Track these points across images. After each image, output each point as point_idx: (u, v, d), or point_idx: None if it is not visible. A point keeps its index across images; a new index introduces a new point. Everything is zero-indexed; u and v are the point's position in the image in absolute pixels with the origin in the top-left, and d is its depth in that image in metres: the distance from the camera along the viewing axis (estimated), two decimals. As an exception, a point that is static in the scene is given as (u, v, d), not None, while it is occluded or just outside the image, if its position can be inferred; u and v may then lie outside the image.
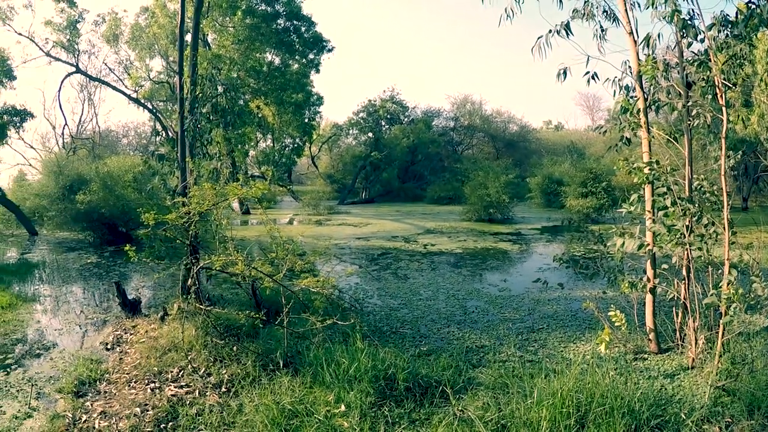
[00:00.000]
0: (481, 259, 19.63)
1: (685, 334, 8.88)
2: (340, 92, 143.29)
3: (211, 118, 15.25)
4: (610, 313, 8.75)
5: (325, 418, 6.62)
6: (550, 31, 9.22)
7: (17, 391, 8.57)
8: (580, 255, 19.84)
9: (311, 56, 36.07)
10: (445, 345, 9.99)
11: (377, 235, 26.60)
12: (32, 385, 8.76)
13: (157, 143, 55.62)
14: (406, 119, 57.30)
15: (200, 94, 14.48)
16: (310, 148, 50.79)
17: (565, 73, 9.50)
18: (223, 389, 7.98)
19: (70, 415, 7.51)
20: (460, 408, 6.87)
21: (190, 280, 10.10)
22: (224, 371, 8.40)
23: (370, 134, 55.67)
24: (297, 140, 40.22)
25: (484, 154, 59.00)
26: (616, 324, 8.66)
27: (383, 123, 55.94)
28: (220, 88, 16.76)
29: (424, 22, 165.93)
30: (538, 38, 9.32)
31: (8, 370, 9.58)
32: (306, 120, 37.67)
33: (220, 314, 9.96)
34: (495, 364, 8.68)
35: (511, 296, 13.87)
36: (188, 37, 37.23)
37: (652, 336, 9.24)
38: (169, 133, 42.58)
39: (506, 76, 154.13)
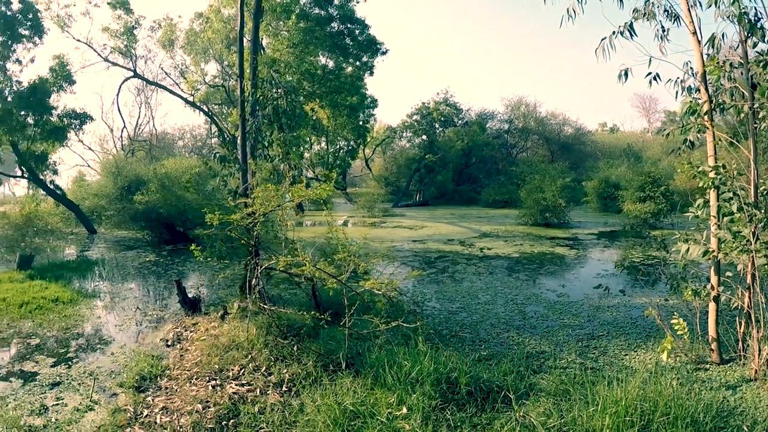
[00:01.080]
0: (538, 263, 19.36)
1: (748, 345, 8.61)
2: (392, 94, 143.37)
3: (272, 120, 15.43)
4: (672, 321, 8.52)
5: (387, 420, 6.60)
6: (614, 32, 9.03)
7: (78, 384, 8.81)
8: (639, 261, 19.39)
9: (365, 59, 36.13)
10: (505, 350, 9.90)
11: (433, 238, 26.52)
12: (94, 379, 9.00)
13: (213, 145, 56.84)
14: (460, 122, 56.88)
15: (261, 97, 14.67)
16: (363, 150, 50.96)
17: (626, 74, 9.28)
18: (284, 388, 8.03)
19: (132, 410, 7.65)
20: (522, 414, 6.80)
21: (254, 279, 10.21)
22: (285, 370, 8.46)
23: (424, 137, 55.43)
24: (351, 143, 40.33)
25: (538, 156, 57.88)
26: (678, 332, 8.43)
27: (437, 125, 55.63)
28: (280, 91, 16.89)
29: (476, 23, 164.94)
30: (602, 39, 9.13)
31: (69, 363, 9.88)
32: (360, 122, 37.75)
33: (282, 314, 10.06)
34: (556, 370, 8.58)
35: (570, 302, 13.65)
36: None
37: (714, 346, 8.96)
38: (225, 136, 43.47)
39: (559, 76, 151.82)
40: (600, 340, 10.57)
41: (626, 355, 9.67)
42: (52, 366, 9.77)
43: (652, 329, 11.04)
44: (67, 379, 9.04)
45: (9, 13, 27.72)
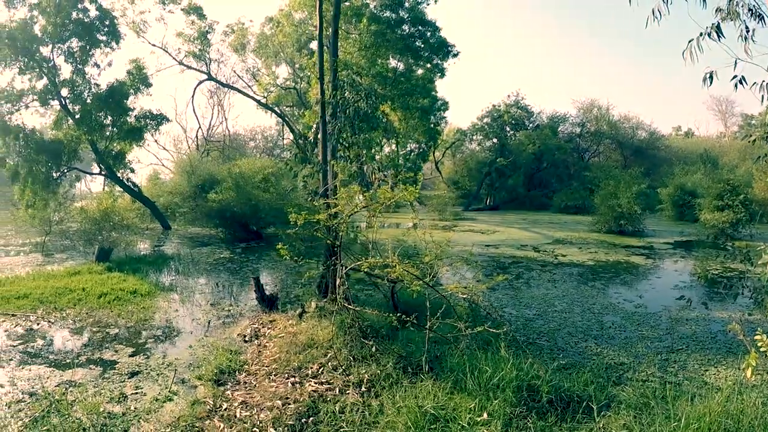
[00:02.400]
0: (613, 272, 18.64)
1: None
2: (461, 96, 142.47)
3: (353, 123, 15.35)
4: (756, 338, 7.91)
5: (468, 426, 6.44)
6: (701, 33, 8.40)
7: (157, 374, 8.94)
8: (718, 273, 18.41)
9: (436, 61, 35.77)
10: (583, 359, 9.63)
11: (506, 243, 25.98)
12: (174, 370, 9.08)
13: (285, 146, 57.64)
14: (531, 125, 55.61)
15: (341, 99, 14.60)
16: (433, 153, 50.54)
17: (711, 77, 8.63)
18: (363, 388, 7.89)
19: (211, 402, 7.68)
20: (602, 426, 6.58)
21: (339, 279, 10.05)
22: (364, 371, 8.32)
23: (495, 140, 54.36)
24: (422, 145, 39.97)
25: (611, 161, 56.09)
26: (762, 349, 7.80)
27: (508, 128, 54.56)
28: (361, 94, 16.81)
29: (546, 24, 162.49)
30: (690, 41, 8.52)
31: (148, 354, 10.07)
32: (432, 125, 37.38)
33: (365, 315, 9.87)
34: (635, 382, 8.29)
35: (648, 313, 13.11)
36: (313, 45, 38.20)
37: (800, 364, 8.25)
38: (298, 137, 43.95)
39: (632, 77, 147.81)
40: (679, 354, 10.13)
41: (706, 370, 9.24)
42: (130, 356, 9.96)
43: (733, 345, 10.55)
44: (146, 369, 9.18)
45: (87, 20, 28.82)
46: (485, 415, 6.61)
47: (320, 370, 8.63)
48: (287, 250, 10.62)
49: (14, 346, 10.53)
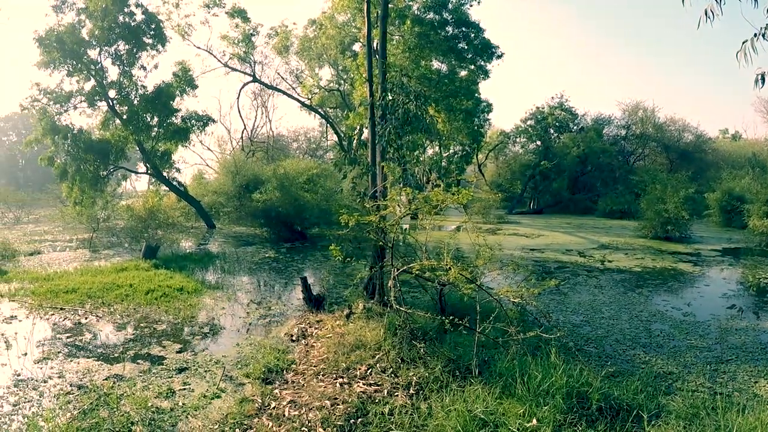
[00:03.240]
0: (661, 279, 18.07)
1: None
2: (504, 98, 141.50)
3: (403, 124, 15.22)
4: None
5: (517, 431, 6.27)
6: (756, 34, 8.00)
7: (205, 371, 8.89)
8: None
9: (480, 63, 35.43)
10: (632, 368, 9.33)
11: (551, 248, 25.51)
12: (223, 367, 9.03)
13: (330, 147, 57.87)
14: (575, 127, 54.65)
15: (391, 101, 14.49)
16: (477, 155, 50.04)
17: (763, 78, 8.24)
18: (411, 391, 7.74)
19: (259, 401, 7.62)
20: None
21: (390, 281, 9.94)
22: (411, 373, 8.18)
23: (538, 142, 53.56)
24: (466, 147, 39.64)
25: (656, 165, 54.76)
26: None
27: (552, 131, 53.76)
28: (411, 96, 16.67)
29: (589, 24, 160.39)
30: (744, 42, 8.14)
31: (195, 350, 10.05)
32: (476, 127, 37.01)
33: (418, 317, 9.68)
34: (684, 392, 8.02)
35: (696, 322, 12.67)
36: (356, 46, 38.18)
37: None
38: (342, 139, 44.07)
39: (677, 78, 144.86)
40: (729, 364, 9.73)
41: (756, 382, 8.86)
42: (177, 352, 9.94)
43: (784, 357, 10.11)
44: (194, 366, 9.14)
45: (133, 23, 29.45)
46: (534, 421, 6.45)
47: (368, 371, 8.52)
48: (339, 251, 10.59)
49: (62, 339, 10.60)
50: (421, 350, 8.89)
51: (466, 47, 34.29)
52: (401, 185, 13.68)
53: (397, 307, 9.44)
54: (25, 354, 9.70)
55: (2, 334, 10.82)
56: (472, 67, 35.34)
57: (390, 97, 14.44)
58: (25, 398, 7.74)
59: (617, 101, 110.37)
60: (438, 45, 32.46)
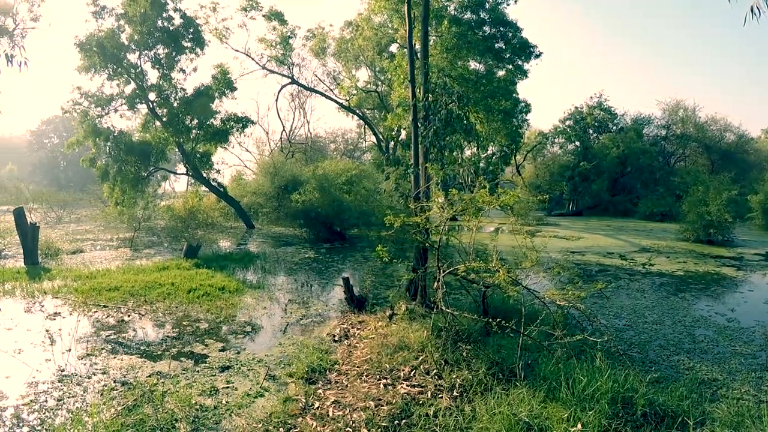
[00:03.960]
0: (704, 284, 17.55)
1: None
2: (540, 98, 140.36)
3: (446, 125, 15.10)
4: None
5: None
6: None
7: (248, 370, 8.85)
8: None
9: (518, 62, 35.06)
10: (676, 374, 9.08)
11: (592, 250, 25.06)
12: (267, 367, 8.97)
13: (368, 148, 57.87)
14: (614, 127, 53.73)
15: (433, 102, 14.39)
16: (515, 156, 49.49)
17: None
18: (455, 393, 7.60)
19: (303, 400, 7.54)
20: None
21: (436, 283, 9.82)
22: (455, 375, 8.05)
23: (577, 143, 52.84)
24: (504, 148, 39.25)
25: (697, 166, 53.40)
26: None
27: (591, 131, 52.94)
28: (453, 97, 16.55)
29: (627, 23, 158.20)
30: None
31: (238, 349, 10.01)
32: (514, 128, 36.61)
33: (464, 319, 9.52)
34: (729, 400, 7.72)
35: (741, 328, 12.26)
36: (393, 47, 38.07)
37: None
38: (380, 140, 44.04)
39: (718, 78, 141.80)
40: None
41: None
42: (220, 350, 9.90)
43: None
44: (236, 364, 9.10)
45: (171, 27, 30.08)
46: (579, 426, 6.31)
47: (412, 372, 8.39)
48: (386, 252, 10.56)
49: (106, 336, 10.65)
50: (465, 352, 8.76)
51: (503, 47, 33.97)
52: (446, 186, 13.57)
53: (443, 308, 9.31)
54: (69, 350, 9.77)
55: (47, 330, 10.93)
56: (510, 66, 34.98)
57: (432, 98, 14.32)
58: (69, 393, 7.76)
59: (657, 100, 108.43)
60: (476, 45, 32.17)
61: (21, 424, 6.82)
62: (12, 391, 7.88)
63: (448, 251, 11.15)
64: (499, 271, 8.98)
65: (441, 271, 9.90)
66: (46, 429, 6.69)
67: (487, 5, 33.35)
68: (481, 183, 10.51)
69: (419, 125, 13.43)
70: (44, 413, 7.13)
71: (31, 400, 7.52)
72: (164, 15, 29.82)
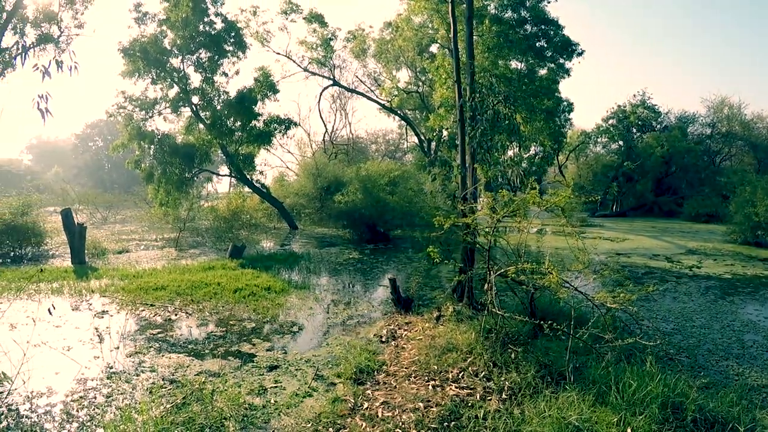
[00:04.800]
0: (752, 287, 16.94)
1: None
2: (581, 96, 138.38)
3: (493, 126, 14.93)
4: None
5: None
6: None
7: (296, 370, 8.81)
8: None
9: (560, 61, 34.61)
10: (725, 380, 8.80)
11: (637, 252, 24.47)
12: (313, 367, 8.91)
13: (409, 149, 57.78)
14: (658, 126, 52.51)
15: (480, 102, 14.24)
16: (557, 156, 48.80)
17: None
18: (504, 396, 7.46)
19: (352, 401, 7.48)
20: None
21: (487, 284, 9.68)
22: (504, 377, 7.91)
23: (620, 142, 51.69)
24: (547, 149, 38.78)
25: (743, 165, 51.76)
26: None
27: (634, 130, 51.74)
28: (500, 97, 16.38)
29: (668, 19, 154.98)
30: None
31: (285, 349, 9.98)
32: (557, 127, 36.10)
33: (508, 321, 9.39)
34: None
35: None
36: (434, 48, 37.89)
37: None
38: (422, 140, 43.95)
39: (761, 73, 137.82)
40: None
41: None
42: (267, 350, 9.89)
43: None
44: (284, 364, 9.06)
45: (213, 32, 30.50)
46: (629, 431, 6.17)
47: (460, 374, 8.26)
48: (437, 253, 10.49)
49: (153, 335, 10.74)
50: (512, 354, 8.62)
51: (545, 45, 33.59)
52: (489, 187, 13.41)
53: (495, 310, 9.16)
54: (117, 348, 9.88)
55: (96, 328, 11.07)
56: (552, 65, 34.55)
57: (479, 98, 14.17)
58: (118, 390, 7.82)
59: (701, 98, 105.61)
60: (517, 44, 31.85)
61: (71, 420, 6.89)
62: (61, 387, 7.98)
63: (492, 252, 10.99)
64: (551, 273, 8.79)
65: (491, 272, 9.75)
66: (95, 425, 6.73)
67: (528, 3, 33.00)
68: (531, 184, 10.35)
69: (466, 126, 13.29)
70: (93, 409, 7.20)
71: (80, 397, 7.61)
72: (206, 20, 30.24)
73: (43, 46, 18.48)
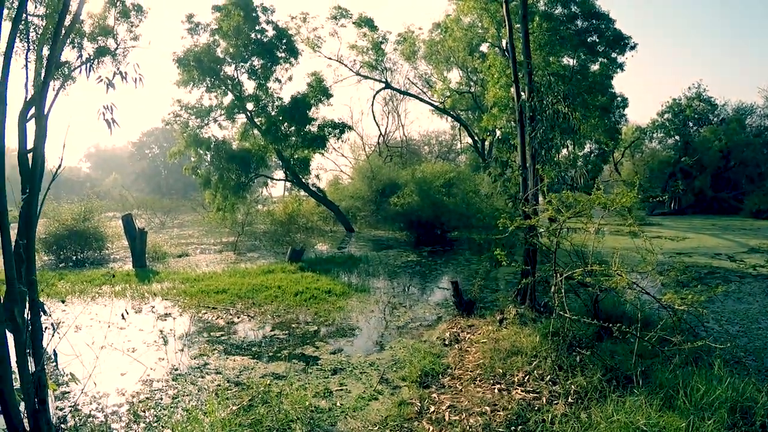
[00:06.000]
0: (819, 287, 16.24)
1: None
2: (635, 91, 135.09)
3: (553, 126, 14.69)
4: None
5: None
6: None
7: (360, 372, 8.76)
8: None
9: (613, 55, 33.95)
10: None
11: (698, 251, 23.65)
12: (378, 370, 8.85)
13: (462, 150, 57.51)
14: (715, 119, 50.58)
15: (539, 101, 14.05)
16: (612, 154, 47.71)
17: None
18: (570, 399, 7.32)
19: (418, 404, 7.40)
20: None
21: (554, 287, 9.53)
22: (569, 381, 7.76)
23: (677, 137, 50.26)
24: (602, 146, 38.06)
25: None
26: None
27: (690, 124, 50.23)
28: (560, 96, 16.12)
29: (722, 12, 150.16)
30: None
31: (348, 352, 9.93)
32: (612, 124, 35.39)
33: (573, 324, 9.22)
34: None
35: None
36: (484, 47, 37.60)
37: None
38: (476, 141, 43.71)
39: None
40: None
41: None
42: (331, 353, 9.84)
43: None
44: (348, 367, 9.01)
45: (265, 39, 31.20)
46: None
47: (526, 378, 8.13)
48: (504, 255, 10.42)
49: (217, 337, 10.84)
50: (577, 358, 8.45)
51: (597, 40, 33.02)
52: (556, 188, 13.20)
53: (562, 313, 9.01)
54: (182, 350, 10.00)
55: (160, 331, 11.25)
56: (604, 60, 33.91)
57: (538, 98, 13.96)
58: (184, 392, 7.91)
59: (758, 87, 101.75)
60: (568, 39, 31.45)
61: (138, 420, 6.98)
62: (128, 388, 8.11)
63: (552, 254, 10.79)
64: (621, 275, 8.59)
65: (558, 274, 9.60)
66: (162, 426, 6.79)
67: (577, -2, 32.56)
68: (597, 184, 10.20)
69: (525, 126, 13.11)
70: (160, 410, 7.28)
71: (146, 398, 7.71)
72: (257, 28, 30.89)
73: (101, 59, 19.11)
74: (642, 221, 37.31)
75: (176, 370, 8.92)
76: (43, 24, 16.31)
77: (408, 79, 47.28)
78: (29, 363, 4.94)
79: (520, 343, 9.33)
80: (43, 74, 16.92)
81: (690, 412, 6.47)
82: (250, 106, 31.73)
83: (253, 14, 30.62)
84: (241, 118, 32.38)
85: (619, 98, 37.84)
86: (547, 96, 14.99)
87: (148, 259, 21.33)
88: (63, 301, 14.27)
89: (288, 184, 37.71)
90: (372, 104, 48.72)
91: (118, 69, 6.30)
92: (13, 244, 5.13)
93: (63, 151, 5.70)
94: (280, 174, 37.72)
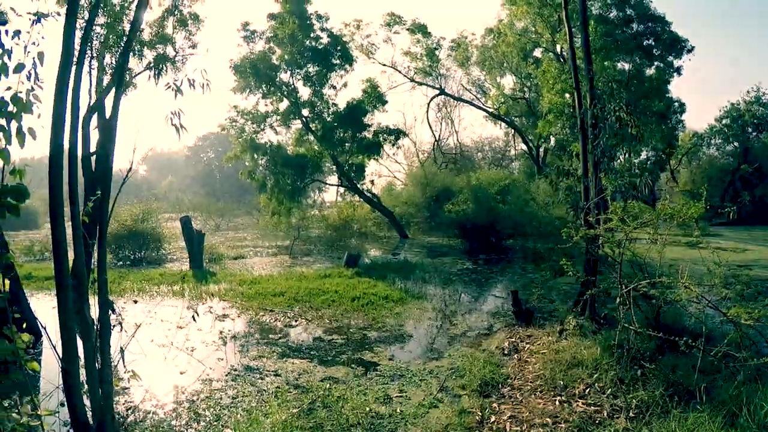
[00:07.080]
0: None
1: None
2: (692, 95, 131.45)
3: (616, 133, 14.42)
4: None
5: None
6: None
7: (419, 380, 8.65)
8: None
9: (669, 59, 33.13)
10: None
11: (759, 264, 22.65)
12: (436, 378, 8.74)
13: (516, 156, 56.98)
14: (775, 123, 48.66)
15: (601, 109, 13.79)
16: (669, 161, 46.36)
17: None
18: (631, 414, 7.13)
19: (479, 413, 7.26)
20: None
21: (619, 299, 9.35)
22: (630, 395, 7.56)
23: (735, 144, 48.29)
24: (660, 153, 37.14)
25: None
26: None
27: (749, 129, 48.35)
28: (622, 103, 15.83)
29: None
30: None
31: (407, 359, 9.84)
32: (669, 130, 34.52)
33: (634, 337, 9.03)
34: None
35: None
36: (537, 52, 37.18)
37: None
38: (531, 148, 43.31)
39: None
40: None
41: None
42: (389, 359, 9.79)
43: None
44: (407, 374, 8.92)
45: (320, 47, 31.61)
46: None
47: (587, 390, 7.94)
48: (570, 265, 10.31)
49: (275, 340, 10.94)
50: (638, 371, 8.23)
51: (653, 43, 32.33)
52: (620, 196, 12.93)
53: (626, 325, 8.81)
54: (240, 351, 10.11)
55: (220, 332, 11.42)
56: (660, 64, 33.12)
57: (600, 105, 13.69)
58: (243, 393, 7.95)
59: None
60: (624, 43, 30.91)
61: (198, 419, 7.05)
62: (187, 386, 8.18)
63: (616, 264, 10.57)
64: (689, 287, 8.34)
65: (623, 286, 9.40)
66: (222, 425, 6.84)
67: (632, 0, 31.92)
68: (664, 194, 10.02)
69: (588, 134, 12.86)
70: (220, 410, 7.34)
71: (206, 397, 7.78)
72: (312, 35, 31.33)
73: (162, 66, 19.72)
74: (704, 232, 36.21)
75: (235, 370, 9.00)
76: (104, 32, 16.99)
77: (461, 84, 47.04)
78: (96, 360, 5.06)
79: (580, 354, 9.14)
80: (106, 80, 17.66)
81: (753, 430, 6.29)
82: (305, 112, 32.11)
83: (308, 22, 31.03)
84: (296, 124, 32.86)
85: (676, 103, 36.92)
86: (609, 103, 14.71)
87: (204, 260, 21.73)
88: (135, 302, 14.69)
89: (341, 189, 38.05)
90: (427, 110, 48.69)
91: (185, 76, 6.45)
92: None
93: (133, 155, 5.83)
94: (333, 179, 38.12)
